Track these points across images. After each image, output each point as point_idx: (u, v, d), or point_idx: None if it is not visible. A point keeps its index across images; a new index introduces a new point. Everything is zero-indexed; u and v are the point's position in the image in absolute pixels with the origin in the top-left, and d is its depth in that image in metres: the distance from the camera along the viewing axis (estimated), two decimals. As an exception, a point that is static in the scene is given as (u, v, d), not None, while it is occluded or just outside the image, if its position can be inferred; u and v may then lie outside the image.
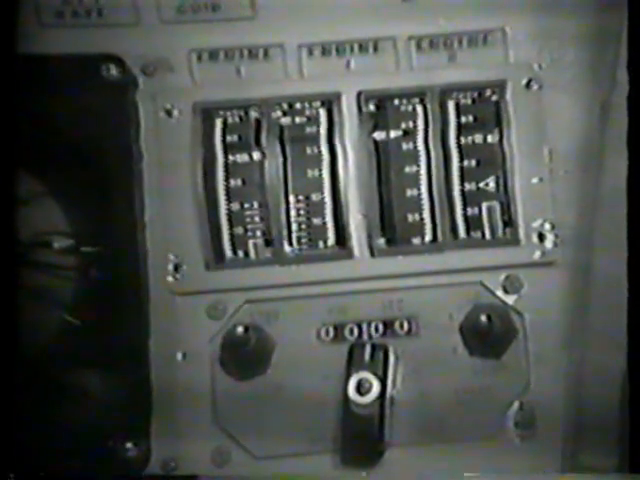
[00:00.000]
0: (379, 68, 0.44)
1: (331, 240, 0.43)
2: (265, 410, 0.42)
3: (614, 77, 0.42)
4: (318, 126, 0.44)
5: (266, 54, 0.44)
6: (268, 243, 0.43)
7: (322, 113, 0.44)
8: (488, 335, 0.42)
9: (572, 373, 0.42)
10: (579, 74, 0.44)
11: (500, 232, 0.43)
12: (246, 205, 0.43)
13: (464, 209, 0.43)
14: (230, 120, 0.43)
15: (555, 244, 0.43)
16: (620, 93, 0.42)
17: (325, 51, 0.44)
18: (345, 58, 0.44)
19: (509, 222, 0.43)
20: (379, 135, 0.44)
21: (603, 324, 0.41)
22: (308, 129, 0.44)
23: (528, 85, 0.44)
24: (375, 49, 0.44)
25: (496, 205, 0.44)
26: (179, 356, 0.43)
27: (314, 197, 0.43)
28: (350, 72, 0.44)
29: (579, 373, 0.42)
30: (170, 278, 0.42)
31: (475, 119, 0.44)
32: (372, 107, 0.44)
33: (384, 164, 0.44)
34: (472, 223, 0.43)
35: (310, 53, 0.44)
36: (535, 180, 0.43)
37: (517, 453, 0.42)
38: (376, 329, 0.43)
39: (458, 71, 0.44)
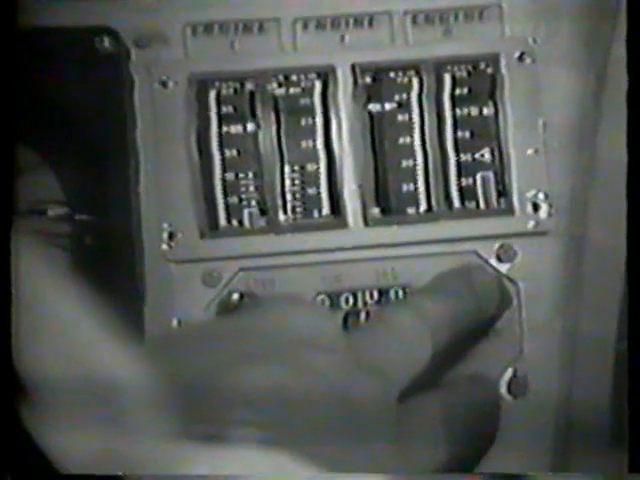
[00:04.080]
0: (374, 42, 0.44)
1: (326, 210, 0.43)
2: None
3: (609, 51, 0.42)
4: (313, 98, 0.44)
5: (261, 28, 0.44)
6: (263, 212, 0.43)
7: (317, 85, 0.44)
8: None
9: (565, 341, 0.42)
10: (574, 48, 0.44)
11: (494, 202, 0.43)
12: (241, 175, 0.43)
13: (459, 179, 0.44)
14: (225, 92, 0.43)
15: (549, 214, 0.43)
16: (615, 66, 0.42)
17: (320, 25, 0.44)
18: (340, 32, 0.44)
19: (503, 192, 0.43)
20: (374, 107, 0.44)
21: (596, 293, 0.42)
22: (303, 100, 0.44)
23: (521, 58, 0.44)
24: (370, 23, 0.44)
25: (490, 175, 0.44)
26: (174, 323, 0.43)
27: (309, 167, 0.43)
28: (345, 46, 0.44)
29: (572, 341, 0.42)
30: (165, 246, 0.43)
31: (470, 91, 0.44)
32: (367, 79, 0.44)
33: (379, 135, 0.44)
34: (467, 193, 0.44)
35: (305, 27, 0.44)
36: (530, 151, 0.43)
37: (509, 414, 0.42)
38: (371, 297, 0.43)
39: (453, 45, 0.44)
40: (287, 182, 0.43)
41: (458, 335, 0.39)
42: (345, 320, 0.43)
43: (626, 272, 0.39)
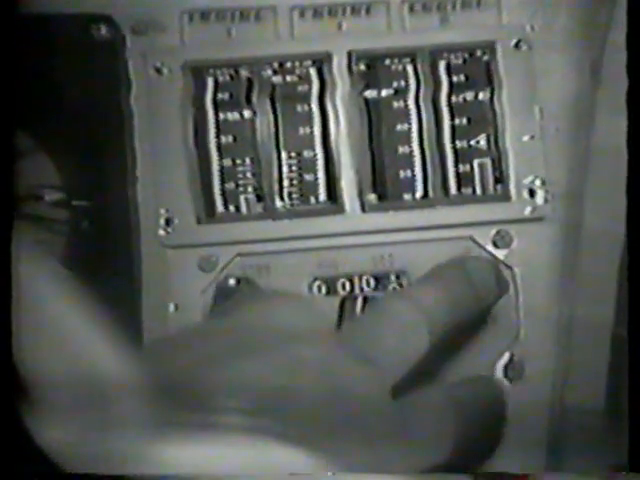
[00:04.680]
0: (371, 30, 0.44)
1: (322, 196, 0.43)
2: None
3: (606, 38, 0.43)
4: (309, 85, 0.44)
5: (258, 16, 0.44)
6: (260, 198, 0.43)
7: (313, 72, 0.44)
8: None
9: (562, 325, 0.42)
10: (571, 36, 0.44)
11: (491, 188, 0.44)
12: (238, 161, 0.43)
13: (455, 166, 0.44)
14: (221, 79, 0.43)
15: (546, 200, 0.43)
16: (612, 55, 0.42)
17: (317, 13, 0.44)
18: (337, 20, 0.44)
19: (500, 178, 0.43)
20: (370, 93, 0.44)
21: (592, 278, 0.42)
22: (299, 87, 0.44)
23: (517, 46, 0.44)
24: (368, 11, 0.44)
25: (487, 162, 0.44)
26: (171, 307, 0.43)
27: (306, 154, 0.43)
28: (342, 33, 0.44)
29: (568, 326, 0.42)
30: (161, 232, 0.43)
31: (466, 78, 0.44)
32: (363, 67, 0.44)
33: (375, 122, 0.44)
34: (463, 179, 0.44)
35: (302, 15, 0.44)
36: (526, 138, 0.43)
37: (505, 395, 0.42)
38: (367, 283, 0.43)
39: (450, 33, 0.44)
40: (284, 168, 0.43)
41: (456, 325, 0.38)
42: (342, 305, 0.43)
43: (627, 258, 0.39)
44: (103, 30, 0.44)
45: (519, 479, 0.37)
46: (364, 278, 0.43)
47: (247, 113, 0.43)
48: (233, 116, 0.43)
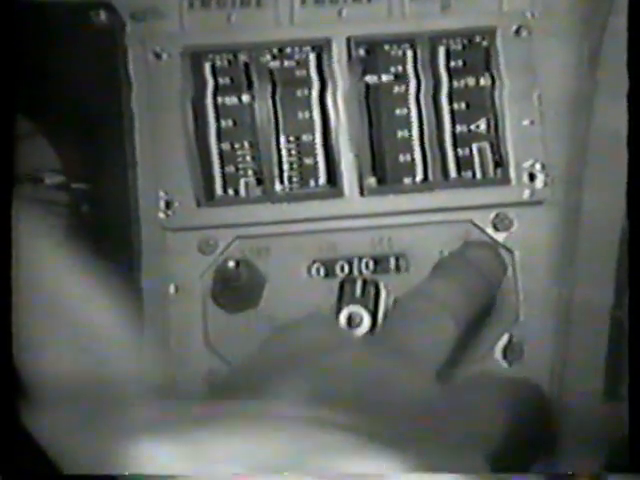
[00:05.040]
0: (371, 16, 0.44)
1: (322, 179, 0.44)
2: (257, 338, 0.42)
3: (606, 24, 0.43)
4: (308, 69, 0.44)
5: (258, 2, 0.44)
6: (259, 182, 0.43)
7: (312, 58, 0.44)
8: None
9: (561, 307, 0.42)
10: (571, 22, 0.44)
11: (491, 172, 0.44)
12: (237, 145, 0.43)
13: (455, 150, 0.44)
14: (219, 64, 0.43)
15: (545, 184, 0.43)
16: (611, 40, 0.42)
17: (318, 0, 0.44)
18: (338, 7, 0.44)
19: (500, 162, 0.44)
20: (370, 78, 0.44)
21: (591, 260, 0.42)
22: (298, 72, 0.44)
23: (518, 32, 0.44)
24: None
25: (487, 146, 0.44)
26: (172, 289, 0.43)
27: (305, 138, 0.44)
28: (342, 20, 0.44)
29: (567, 307, 0.42)
30: (161, 214, 0.43)
31: (465, 64, 0.44)
32: (362, 52, 0.44)
33: (375, 106, 0.44)
34: (463, 163, 0.44)
35: (303, 2, 0.44)
36: (526, 122, 0.44)
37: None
38: (366, 266, 0.43)
39: (451, 19, 0.44)
40: (283, 152, 0.43)
41: (475, 310, 0.39)
42: (341, 287, 0.43)
43: (626, 241, 0.39)
44: (103, 16, 0.44)
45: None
46: (363, 260, 0.43)
47: (246, 98, 0.43)
48: (232, 100, 0.43)
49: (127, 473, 0.25)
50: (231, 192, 0.43)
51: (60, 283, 0.28)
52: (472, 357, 0.42)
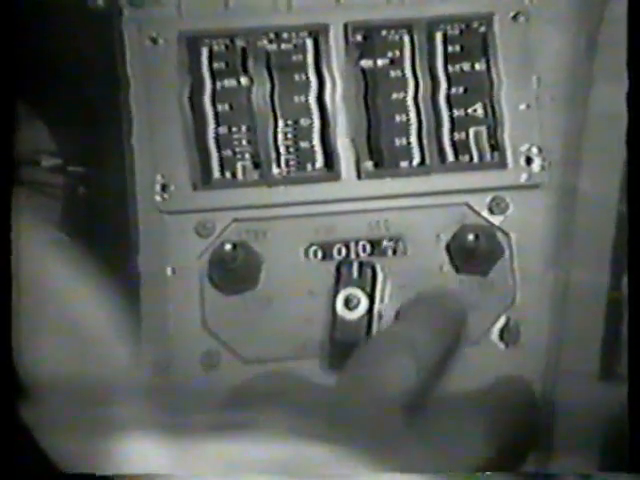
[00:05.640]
0: (369, 2, 0.44)
1: (319, 163, 0.44)
2: (253, 320, 0.42)
3: (603, 10, 0.43)
4: (305, 54, 0.44)
5: None
6: (256, 166, 0.43)
7: (309, 43, 0.44)
8: (474, 253, 0.42)
9: (557, 290, 0.43)
10: (569, 8, 0.44)
11: (487, 156, 0.44)
12: (234, 129, 0.43)
13: (452, 134, 0.44)
14: (216, 48, 0.43)
15: (542, 167, 0.43)
16: (610, 26, 0.42)
17: None
18: None
19: (496, 146, 0.44)
20: (366, 63, 0.44)
21: (588, 243, 0.42)
22: (295, 57, 0.44)
23: (515, 18, 0.44)
24: None
25: (483, 130, 0.44)
26: (169, 271, 0.43)
27: (302, 122, 0.44)
28: (340, 5, 0.44)
29: (564, 290, 0.42)
30: (158, 197, 0.43)
31: (462, 49, 0.44)
32: (359, 37, 0.44)
33: (371, 91, 0.44)
34: (460, 147, 0.44)
35: None
36: (522, 106, 0.44)
37: (501, 357, 0.43)
38: (363, 248, 0.43)
39: (449, 4, 0.44)
40: (280, 136, 0.43)
41: (443, 353, 0.40)
42: (338, 269, 0.43)
43: (622, 223, 0.39)
44: (100, 1, 0.44)
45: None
46: (360, 243, 0.43)
47: (243, 81, 0.43)
48: (229, 84, 0.43)
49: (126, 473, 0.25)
50: (228, 175, 0.43)
51: (58, 272, 0.28)
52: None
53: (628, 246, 0.37)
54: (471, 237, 0.43)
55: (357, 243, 0.43)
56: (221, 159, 0.43)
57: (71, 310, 0.28)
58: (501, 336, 0.43)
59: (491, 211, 0.43)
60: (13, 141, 0.36)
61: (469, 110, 0.44)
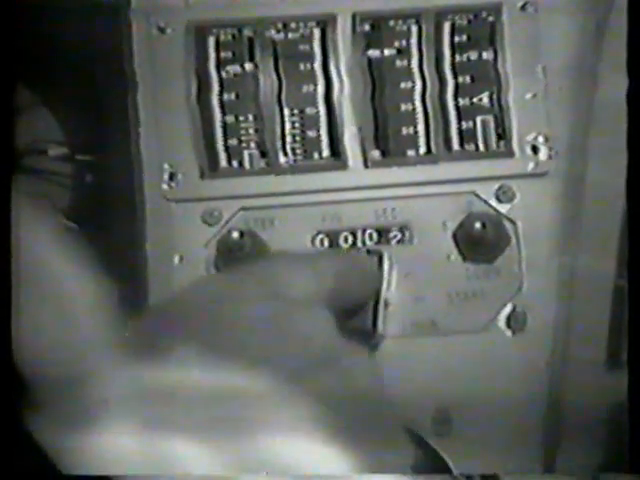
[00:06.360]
0: (378, -8, 0.44)
1: (326, 152, 0.44)
2: None
3: (611, 1, 0.43)
4: (312, 44, 0.44)
5: None
6: (263, 154, 0.43)
7: (316, 32, 0.44)
8: (481, 241, 0.43)
9: (564, 278, 0.43)
10: (577, -1, 0.44)
11: (494, 145, 0.44)
12: (241, 118, 0.43)
13: (458, 122, 0.44)
14: (223, 38, 0.44)
15: (549, 156, 0.43)
16: (617, 15, 0.42)
17: None
18: None
19: (503, 135, 0.44)
20: (374, 53, 0.44)
21: (594, 231, 0.42)
22: (302, 46, 0.44)
23: (524, 7, 0.44)
24: None
25: (490, 119, 0.44)
26: (176, 259, 0.43)
27: (308, 111, 0.44)
28: None
29: (570, 278, 0.42)
30: (165, 186, 0.43)
31: (469, 39, 0.44)
32: (367, 27, 0.44)
33: (378, 80, 0.44)
34: (466, 136, 0.44)
35: None
36: (529, 96, 0.44)
37: (508, 346, 0.43)
38: (370, 237, 0.44)
39: None
40: (287, 125, 0.44)
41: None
42: None
43: (626, 213, 0.39)
44: (107, -9, 0.44)
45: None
46: (367, 232, 0.44)
47: (250, 70, 0.43)
48: (236, 73, 0.43)
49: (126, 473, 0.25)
50: (235, 164, 0.43)
51: (61, 265, 0.28)
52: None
53: (629, 238, 0.37)
54: (478, 225, 0.43)
55: (364, 231, 0.43)
56: (228, 148, 0.43)
57: (72, 302, 0.28)
58: (508, 324, 0.43)
59: (498, 199, 0.43)
60: (13, 129, 0.36)
61: (476, 99, 0.44)
